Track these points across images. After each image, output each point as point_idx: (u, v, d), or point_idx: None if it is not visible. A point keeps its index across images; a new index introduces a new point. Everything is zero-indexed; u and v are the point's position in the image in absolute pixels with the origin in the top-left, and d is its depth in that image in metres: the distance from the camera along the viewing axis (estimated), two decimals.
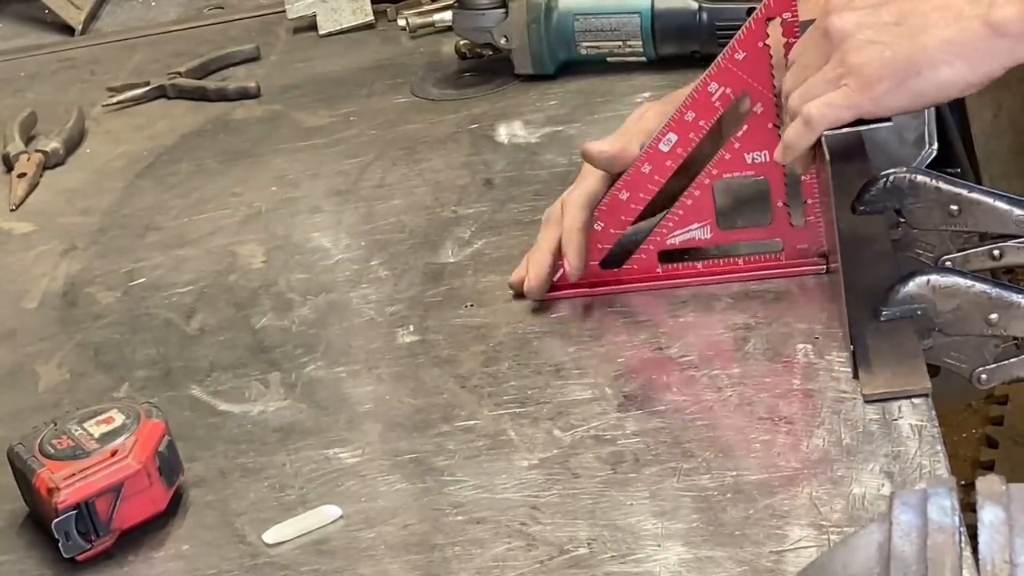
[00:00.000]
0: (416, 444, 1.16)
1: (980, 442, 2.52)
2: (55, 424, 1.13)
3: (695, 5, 1.66)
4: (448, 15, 1.83)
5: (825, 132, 1.13)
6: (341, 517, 1.10)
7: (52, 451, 1.10)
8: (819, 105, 1.12)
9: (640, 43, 1.69)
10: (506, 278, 1.35)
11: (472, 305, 1.33)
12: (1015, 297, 1.11)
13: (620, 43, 1.70)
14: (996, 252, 1.17)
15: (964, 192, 1.17)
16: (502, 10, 1.72)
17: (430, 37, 1.93)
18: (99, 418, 1.13)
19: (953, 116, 1.71)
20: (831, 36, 1.12)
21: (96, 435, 1.11)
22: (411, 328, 1.32)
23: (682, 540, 1.01)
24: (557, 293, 1.30)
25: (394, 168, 1.60)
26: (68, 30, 2.23)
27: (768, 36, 1.21)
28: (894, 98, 1.10)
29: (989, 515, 0.73)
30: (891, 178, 1.17)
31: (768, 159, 1.24)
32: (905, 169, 1.18)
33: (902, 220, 1.19)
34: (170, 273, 1.49)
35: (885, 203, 1.18)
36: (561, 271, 1.29)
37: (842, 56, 1.11)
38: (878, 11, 1.12)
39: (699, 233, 1.28)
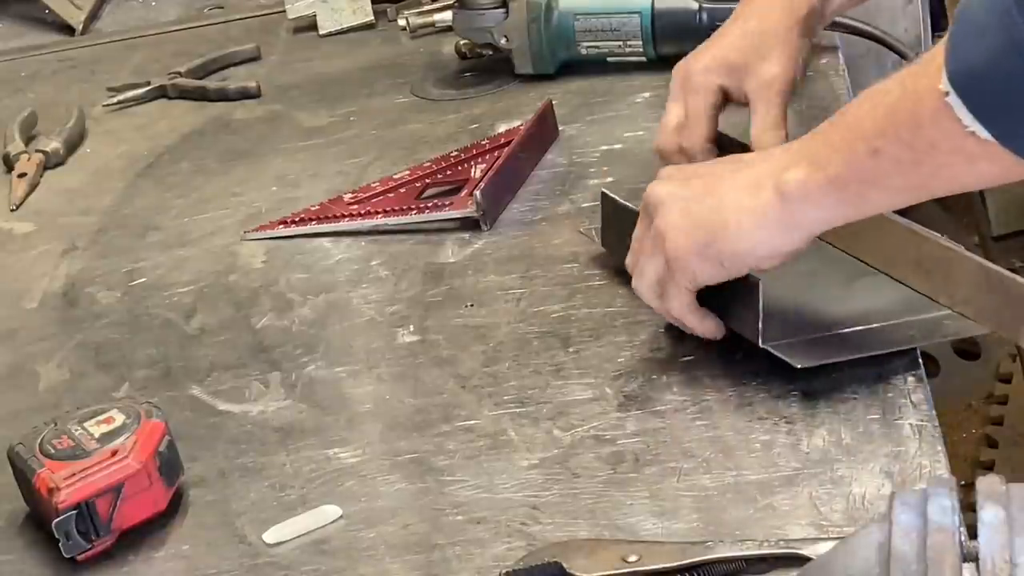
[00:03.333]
0: (416, 444, 1.16)
1: (980, 442, 2.52)
2: (55, 424, 1.13)
3: (695, 5, 1.66)
4: (448, 15, 1.82)
5: None
6: (341, 517, 1.10)
7: (52, 451, 1.10)
8: (672, 308, 1.16)
9: (640, 43, 1.69)
10: (506, 278, 1.35)
11: (472, 305, 1.33)
12: None
13: (620, 43, 1.70)
14: None
15: None
16: (502, 10, 1.72)
17: (430, 37, 1.93)
18: (99, 418, 1.13)
19: None
20: (648, 205, 1.16)
21: (96, 435, 1.11)
22: (411, 328, 1.32)
23: (682, 540, 1.01)
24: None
25: (394, 168, 1.60)
26: (68, 30, 2.23)
27: None
28: (704, 269, 1.12)
29: (989, 515, 0.73)
30: None
31: None
32: None
33: None
34: (170, 273, 1.49)
35: None
36: None
37: (656, 229, 1.14)
38: (689, 183, 1.15)
39: None
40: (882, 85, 1.04)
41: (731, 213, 1.10)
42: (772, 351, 1.13)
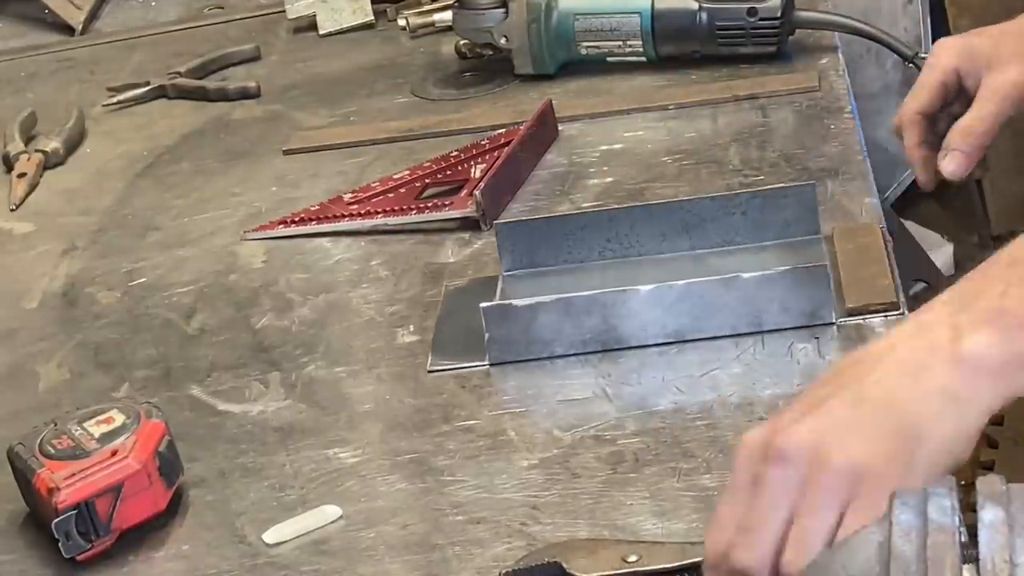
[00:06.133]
0: (416, 444, 1.16)
1: (980, 442, 2.51)
2: (55, 424, 1.13)
3: (695, 5, 1.66)
4: (448, 15, 1.82)
5: None
6: (341, 517, 1.10)
7: (52, 451, 1.10)
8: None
9: (640, 43, 1.69)
10: None
11: None
12: None
13: (620, 43, 1.70)
14: None
15: None
16: (502, 10, 1.72)
17: (430, 37, 1.93)
18: (99, 418, 1.13)
19: None
20: (788, 461, 0.84)
21: (96, 435, 1.11)
22: (411, 328, 1.32)
23: (682, 540, 1.01)
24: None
25: (394, 168, 1.60)
26: (68, 30, 2.23)
27: None
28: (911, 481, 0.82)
29: (989, 515, 0.73)
30: None
31: None
32: None
33: None
34: (170, 273, 1.49)
35: None
36: None
37: (836, 473, 0.83)
38: (826, 406, 0.86)
39: None
40: None
41: (911, 408, 0.85)
42: None
